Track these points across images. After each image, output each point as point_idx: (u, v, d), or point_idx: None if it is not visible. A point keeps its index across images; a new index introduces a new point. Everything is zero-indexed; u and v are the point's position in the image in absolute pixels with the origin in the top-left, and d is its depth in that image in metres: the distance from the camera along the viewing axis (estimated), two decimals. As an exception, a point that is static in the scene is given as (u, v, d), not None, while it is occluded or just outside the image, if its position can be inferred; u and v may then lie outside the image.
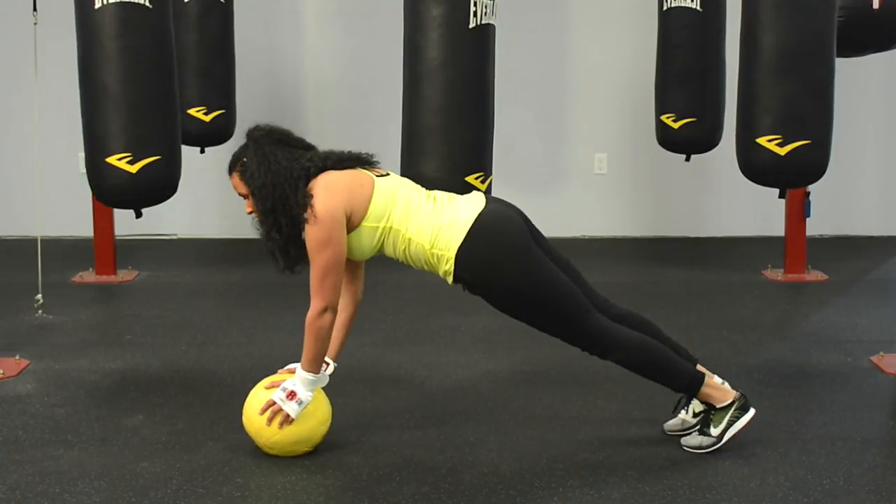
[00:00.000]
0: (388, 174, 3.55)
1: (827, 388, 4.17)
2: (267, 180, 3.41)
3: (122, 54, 4.23)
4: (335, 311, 3.42)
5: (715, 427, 3.48)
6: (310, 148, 3.57)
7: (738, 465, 3.42)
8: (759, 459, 3.45)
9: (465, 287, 3.50)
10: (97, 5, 4.18)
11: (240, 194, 3.51)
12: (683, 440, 3.52)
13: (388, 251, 3.50)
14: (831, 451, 3.53)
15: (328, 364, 3.59)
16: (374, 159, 3.58)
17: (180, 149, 4.49)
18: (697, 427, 3.53)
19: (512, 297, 3.46)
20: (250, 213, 3.51)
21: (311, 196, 3.39)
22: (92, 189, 4.41)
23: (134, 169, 4.26)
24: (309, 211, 3.37)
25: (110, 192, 4.35)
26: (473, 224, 3.41)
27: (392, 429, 3.77)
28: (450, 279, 3.46)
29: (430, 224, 3.43)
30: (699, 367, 3.59)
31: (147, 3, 4.22)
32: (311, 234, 3.37)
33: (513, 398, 4.05)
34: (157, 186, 4.39)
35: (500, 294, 3.46)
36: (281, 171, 3.42)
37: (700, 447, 3.48)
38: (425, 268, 3.51)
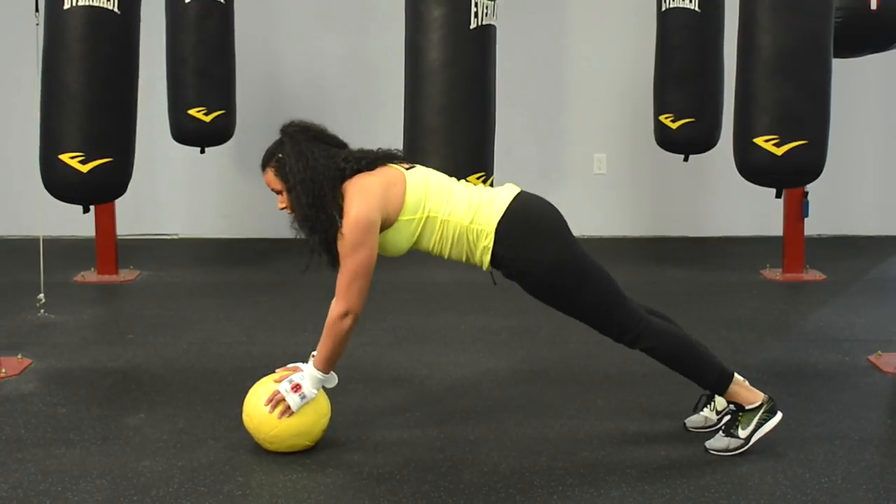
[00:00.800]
0: (414, 166, 3.55)
1: (825, 387, 4.18)
2: (306, 176, 3.38)
3: (85, 56, 4.27)
4: (356, 317, 3.39)
5: (743, 429, 3.46)
6: (343, 146, 3.55)
7: (736, 464, 3.42)
8: (758, 458, 3.45)
9: (502, 270, 3.47)
10: (66, 6, 4.22)
11: (273, 190, 3.49)
12: (708, 443, 3.48)
13: (424, 242, 3.48)
14: (829, 450, 3.54)
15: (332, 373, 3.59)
16: (401, 154, 3.58)
17: (133, 153, 4.52)
18: (723, 428, 3.50)
19: (551, 276, 3.43)
20: (283, 208, 3.47)
21: (346, 198, 3.38)
22: (43, 182, 4.44)
23: (85, 169, 4.30)
24: (344, 213, 3.36)
25: (60, 188, 4.40)
26: (513, 201, 3.45)
27: (392, 427, 3.77)
28: (487, 257, 3.43)
29: (467, 202, 3.43)
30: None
31: (115, 9, 4.25)
32: (346, 236, 3.35)
33: (512, 397, 4.05)
34: (107, 187, 4.45)
35: (538, 272, 3.43)
36: (319, 168, 3.39)
37: (727, 449, 3.45)
38: (462, 252, 3.47)
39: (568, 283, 3.44)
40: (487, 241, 3.41)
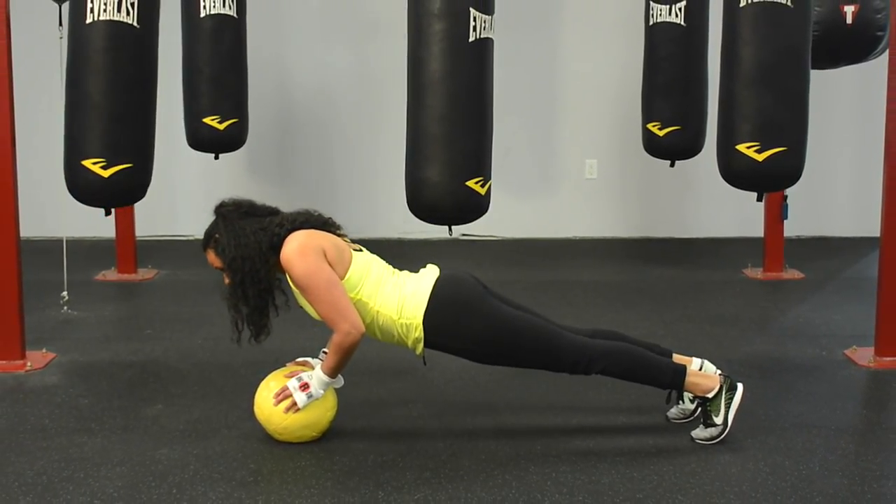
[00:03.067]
0: (361, 249, 3.54)
1: (803, 380, 4.18)
2: (237, 254, 3.37)
3: (106, 68, 4.27)
4: (361, 329, 3.36)
5: (717, 416, 3.47)
6: (276, 213, 3.53)
7: (719, 452, 3.42)
8: (740, 446, 3.45)
9: (439, 350, 3.50)
10: (88, 20, 4.22)
11: (216, 268, 3.47)
12: (694, 434, 3.49)
13: None
14: (807, 439, 3.54)
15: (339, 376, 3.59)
16: (342, 231, 3.57)
17: (152, 158, 4.52)
18: (701, 420, 3.50)
19: (484, 346, 3.46)
20: (228, 283, 3.45)
21: (284, 246, 3.36)
22: (67, 187, 4.44)
23: (106, 174, 4.30)
24: (285, 258, 3.34)
25: (83, 192, 4.40)
26: (433, 289, 3.43)
27: (396, 418, 3.77)
28: (420, 346, 3.46)
29: (395, 295, 3.43)
30: (676, 358, 3.60)
31: (135, 23, 4.25)
32: (297, 270, 3.33)
33: (509, 389, 4.05)
34: (127, 191, 4.45)
35: (472, 347, 3.47)
36: (250, 243, 3.38)
37: (711, 438, 3.46)
38: (393, 339, 3.49)
39: (503, 345, 3.46)
40: (418, 333, 3.43)
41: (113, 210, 4.65)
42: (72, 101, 4.35)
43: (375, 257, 3.56)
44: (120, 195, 4.47)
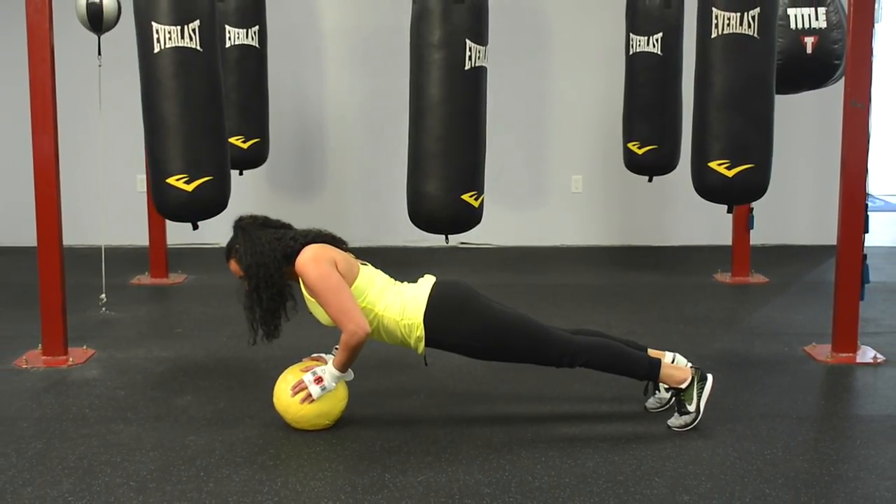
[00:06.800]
0: (367, 264, 3.56)
1: (768, 374, 4.17)
2: (253, 260, 3.39)
3: (177, 91, 4.20)
4: (366, 330, 3.36)
5: (690, 404, 3.48)
6: (288, 226, 3.56)
7: (692, 438, 3.42)
8: (711, 433, 3.45)
9: (439, 348, 3.50)
10: (156, 50, 4.17)
11: (239, 277, 3.48)
12: (669, 422, 3.50)
13: None
14: (772, 427, 3.54)
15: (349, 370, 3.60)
16: (347, 246, 3.58)
17: (230, 170, 4.44)
18: (676, 409, 3.51)
19: (480, 341, 3.46)
20: (246, 289, 3.46)
21: (299, 257, 3.38)
22: (155, 205, 4.37)
23: (190, 188, 4.23)
24: (300, 266, 3.36)
25: (170, 207, 4.31)
26: (431, 292, 3.46)
27: (401, 407, 3.77)
28: (421, 344, 3.46)
29: (398, 300, 3.45)
30: (650, 352, 3.60)
31: (198, 47, 4.21)
32: (311, 275, 3.34)
33: (503, 381, 4.05)
34: (211, 202, 4.33)
35: (468, 342, 3.47)
36: (265, 251, 3.40)
37: (686, 425, 3.47)
38: (395, 340, 3.50)
39: (498, 342, 3.47)
40: (419, 332, 3.43)
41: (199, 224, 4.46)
42: (150, 125, 4.25)
43: (379, 271, 3.59)
44: (204, 208, 4.33)
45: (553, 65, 7.12)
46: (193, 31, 4.19)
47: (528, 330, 3.48)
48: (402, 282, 3.59)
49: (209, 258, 6.69)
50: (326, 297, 3.34)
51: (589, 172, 7.23)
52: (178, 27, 4.14)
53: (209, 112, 4.30)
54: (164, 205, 4.32)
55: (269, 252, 3.40)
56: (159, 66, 4.18)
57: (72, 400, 3.85)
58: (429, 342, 3.47)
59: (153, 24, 4.14)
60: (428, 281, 3.54)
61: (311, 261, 3.36)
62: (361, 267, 3.50)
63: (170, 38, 4.15)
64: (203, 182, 4.25)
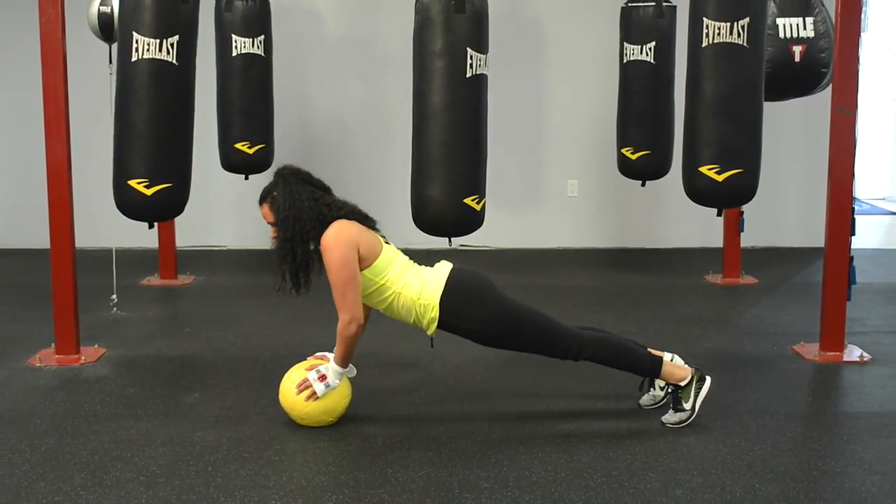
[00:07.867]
0: (390, 243, 3.56)
1: (758, 372, 4.18)
2: (290, 213, 3.39)
3: (147, 100, 4.25)
4: (360, 322, 3.39)
5: (686, 402, 3.48)
6: (328, 189, 3.55)
7: (685, 434, 3.42)
8: (703, 429, 3.46)
9: (452, 332, 3.50)
10: (133, 58, 4.21)
11: (268, 222, 3.49)
12: (664, 418, 3.50)
13: (373, 300, 3.48)
14: (761, 423, 3.54)
15: (351, 367, 3.60)
16: (377, 226, 3.58)
17: (190, 179, 4.49)
18: (671, 406, 3.51)
19: (493, 328, 3.46)
20: (274, 238, 3.47)
21: (327, 231, 3.38)
22: (115, 203, 4.42)
23: (149, 192, 4.27)
24: (324, 243, 3.36)
25: (129, 208, 4.37)
26: (449, 277, 3.45)
27: (403, 404, 3.77)
28: (433, 325, 3.46)
29: (416, 280, 3.45)
30: (651, 351, 3.60)
31: (174, 61, 4.24)
32: (333, 255, 3.35)
33: (501, 379, 4.05)
34: (167, 207, 4.41)
35: (482, 328, 3.46)
36: (304, 207, 3.40)
37: (679, 422, 3.48)
38: (409, 318, 3.49)
39: (509, 329, 3.46)
40: (433, 314, 3.43)
41: (155, 224, 4.62)
42: (119, 128, 4.34)
43: (400, 252, 3.58)
44: (160, 211, 4.44)
45: (550, 73, 7.13)
46: (172, 45, 4.23)
47: (539, 321, 3.48)
48: (416, 264, 3.58)
49: (217, 260, 6.69)
50: (335, 280, 3.35)
51: (584, 177, 7.23)
52: (157, 40, 4.19)
53: (176, 123, 4.35)
54: (123, 204, 4.37)
55: (307, 209, 3.40)
56: (134, 74, 4.23)
57: (84, 397, 3.85)
58: (441, 325, 3.46)
59: (134, 33, 4.19)
60: (445, 266, 3.53)
61: (334, 240, 3.35)
62: (385, 246, 3.50)
63: (147, 49, 4.20)
64: (162, 188, 4.29)
